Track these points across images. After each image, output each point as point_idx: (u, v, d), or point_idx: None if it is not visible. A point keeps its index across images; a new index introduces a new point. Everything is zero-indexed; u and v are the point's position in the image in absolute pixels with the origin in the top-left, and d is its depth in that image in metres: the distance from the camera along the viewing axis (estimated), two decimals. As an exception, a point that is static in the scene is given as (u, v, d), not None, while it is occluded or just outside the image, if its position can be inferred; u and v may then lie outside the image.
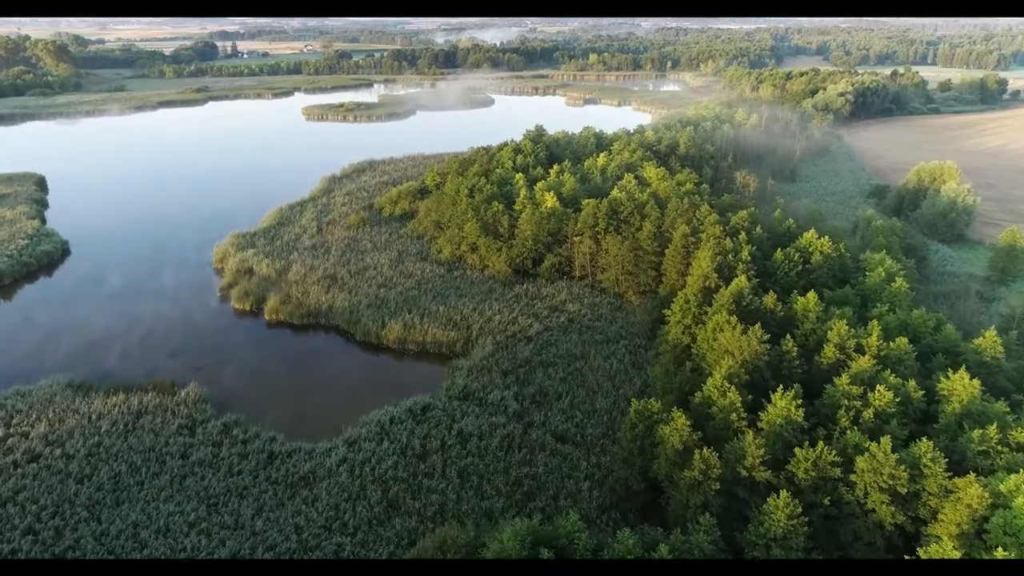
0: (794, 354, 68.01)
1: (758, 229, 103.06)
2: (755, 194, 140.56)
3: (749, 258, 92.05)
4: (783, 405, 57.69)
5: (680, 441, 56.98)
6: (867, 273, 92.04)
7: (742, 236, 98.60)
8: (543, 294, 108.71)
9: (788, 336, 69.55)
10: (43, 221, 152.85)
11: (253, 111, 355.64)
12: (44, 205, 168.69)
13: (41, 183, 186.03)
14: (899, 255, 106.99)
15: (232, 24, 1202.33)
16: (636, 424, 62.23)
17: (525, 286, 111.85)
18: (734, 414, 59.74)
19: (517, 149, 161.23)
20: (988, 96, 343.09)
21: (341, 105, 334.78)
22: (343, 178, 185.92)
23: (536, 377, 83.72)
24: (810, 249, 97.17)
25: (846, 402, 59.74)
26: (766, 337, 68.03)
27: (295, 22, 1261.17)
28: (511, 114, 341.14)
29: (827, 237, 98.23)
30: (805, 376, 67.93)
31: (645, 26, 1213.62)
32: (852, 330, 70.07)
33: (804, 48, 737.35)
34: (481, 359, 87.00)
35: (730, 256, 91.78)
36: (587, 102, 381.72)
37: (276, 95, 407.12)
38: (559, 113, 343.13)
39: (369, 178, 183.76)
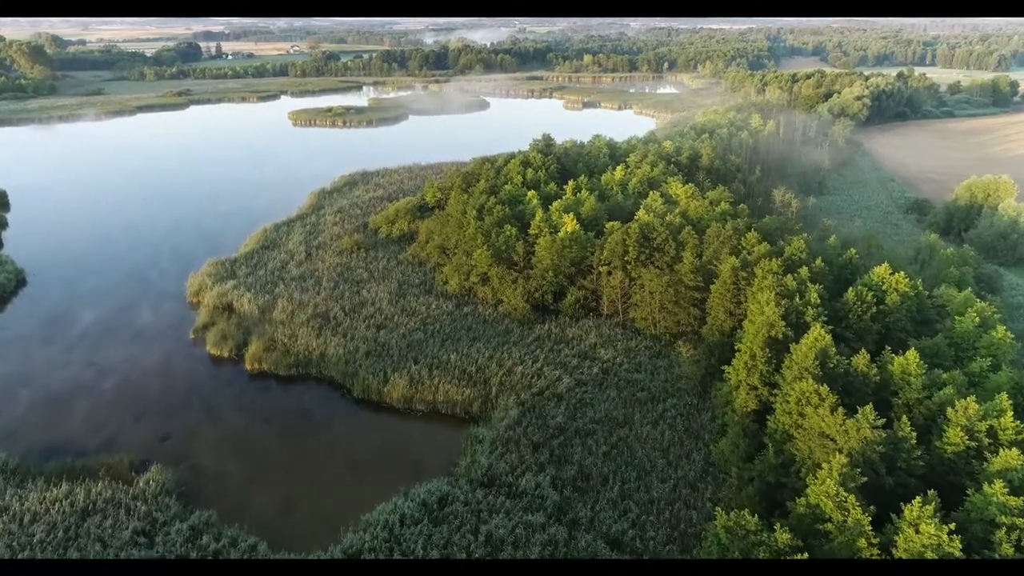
0: (913, 441, 53.83)
1: (819, 261, 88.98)
2: (797, 214, 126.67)
3: (819, 301, 78.00)
4: (931, 531, 43.45)
5: (799, 585, 42.68)
6: (956, 318, 78.09)
7: (803, 271, 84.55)
8: (568, 336, 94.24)
9: (904, 418, 55.16)
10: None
11: (237, 116, 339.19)
12: (2, 225, 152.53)
13: (1, 199, 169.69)
14: (976, 290, 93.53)
15: (217, 24, 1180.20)
16: (727, 547, 47.86)
17: (547, 326, 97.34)
18: (862, 539, 45.46)
19: (525, 161, 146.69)
20: (1000, 99, 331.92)
21: (330, 109, 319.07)
22: (333, 192, 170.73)
23: (574, 452, 69.21)
24: (883, 287, 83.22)
25: (1004, 519, 45.66)
26: (880, 421, 53.77)
27: (281, 22, 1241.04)
28: (509, 118, 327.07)
29: (902, 272, 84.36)
30: (926, 471, 53.81)
31: (635, 26, 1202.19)
32: (980, 407, 55.98)
33: (800, 49, 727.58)
34: (505, 427, 72.36)
35: (797, 299, 77.64)
36: (586, 105, 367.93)
37: (261, 98, 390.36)
38: (558, 117, 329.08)
39: (362, 192, 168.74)
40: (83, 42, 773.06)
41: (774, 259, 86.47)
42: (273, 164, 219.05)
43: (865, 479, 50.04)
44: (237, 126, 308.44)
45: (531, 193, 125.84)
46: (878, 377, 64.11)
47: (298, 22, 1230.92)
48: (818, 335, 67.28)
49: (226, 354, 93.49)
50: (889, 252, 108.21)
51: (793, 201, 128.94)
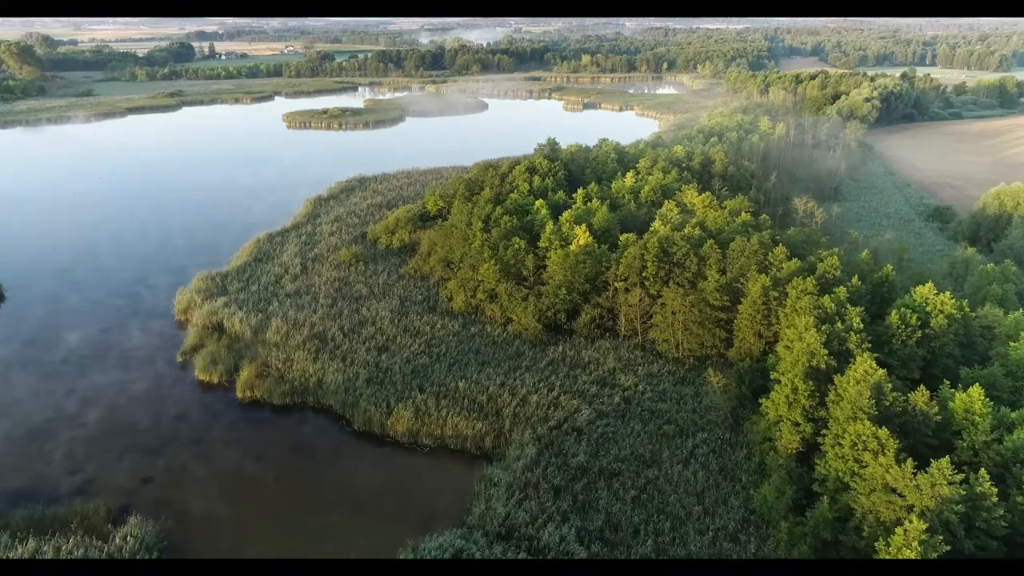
0: (994, 498, 47.45)
1: (855, 280, 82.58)
2: (822, 225, 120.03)
3: (861, 325, 71.65)
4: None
5: None
6: (1011, 344, 71.74)
7: (841, 292, 78.18)
8: (585, 360, 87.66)
9: (983, 472, 48.70)
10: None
11: (230, 118, 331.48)
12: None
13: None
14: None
15: (211, 24, 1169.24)
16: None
17: (561, 348, 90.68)
18: (954, 626, 39.14)
19: (531, 168, 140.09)
20: (1007, 100, 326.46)
21: (325, 111, 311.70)
22: (330, 199, 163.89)
23: (599, 497, 62.62)
24: (927, 308, 76.87)
25: (1116, 599, 39.31)
26: (958, 476, 47.35)
27: (275, 22, 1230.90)
28: (508, 120, 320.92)
29: (947, 292, 78.03)
30: (1009, 532, 47.44)
31: (630, 26, 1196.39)
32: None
33: (798, 48, 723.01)
34: (522, 468, 65.75)
35: (838, 324, 71.23)
36: (586, 106, 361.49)
37: (255, 99, 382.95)
38: (559, 119, 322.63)
39: (359, 199, 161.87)
40: (75, 42, 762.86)
41: (809, 278, 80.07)
42: (267, 169, 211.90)
43: (948, 548, 43.65)
44: (230, 129, 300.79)
45: (539, 202, 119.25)
46: (939, 416, 57.70)
47: (292, 22, 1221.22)
48: (869, 368, 60.94)
49: (216, 380, 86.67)
50: (922, 267, 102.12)
51: (817, 211, 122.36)
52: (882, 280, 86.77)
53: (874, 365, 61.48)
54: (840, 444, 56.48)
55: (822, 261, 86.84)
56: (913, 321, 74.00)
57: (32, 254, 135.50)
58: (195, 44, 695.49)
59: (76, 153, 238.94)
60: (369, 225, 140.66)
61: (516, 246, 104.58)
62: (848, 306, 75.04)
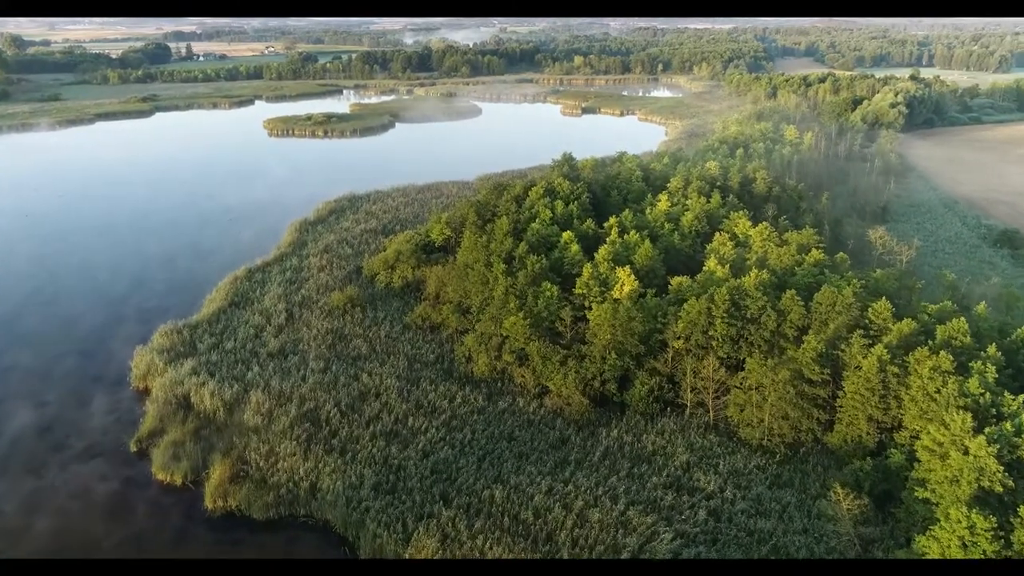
0: None
1: (992, 349, 65.13)
2: (909, 264, 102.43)
3: (1032, 423, 54.30)
4: None
5: None
6: None
7: (988, 371, 60.70)
8: (648, 449, 69.60)
9: None
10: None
11: (207, 125, 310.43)
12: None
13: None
14: None
15: (189, 24, 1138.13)
16: None
17: (615, 431, 72.59)
18: None
19: (550, 190, 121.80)
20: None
21: (309, 117, 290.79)
22: (317, 223, 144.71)
23: None
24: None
25: None
26: None
27: (255, 22, 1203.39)
28: (505, 126, 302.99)
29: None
30: None
31: (615, 26, 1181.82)
32: None
33: (792, 49, 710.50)
34: (599, 640, 47.67)
35: (1007, 425, 53.67)
36: (584, 111, 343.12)
37: (234, 104, 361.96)
38: (558, 125, 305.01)
39: (351, 223, 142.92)
40: (47, 43, 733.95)
41: (942, 353, 62.46)
42: (247, 184, 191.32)
43: None
44: (207, 138, 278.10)
45: (567, 235, 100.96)
46: None
47: (273, 22, 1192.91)
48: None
49: (179, 480, 67.81)
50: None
51: (899, 246, 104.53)
52: (1018, 346, 69.63)
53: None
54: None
55: (942, 322, 69.54)
56: (1083, 410, 56.94)
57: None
58: (172, 45, 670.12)
59: (36, 166, 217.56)
60: (364, 257, 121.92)
61: (548, 294, 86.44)
62: (1006, 393, 57.75)
